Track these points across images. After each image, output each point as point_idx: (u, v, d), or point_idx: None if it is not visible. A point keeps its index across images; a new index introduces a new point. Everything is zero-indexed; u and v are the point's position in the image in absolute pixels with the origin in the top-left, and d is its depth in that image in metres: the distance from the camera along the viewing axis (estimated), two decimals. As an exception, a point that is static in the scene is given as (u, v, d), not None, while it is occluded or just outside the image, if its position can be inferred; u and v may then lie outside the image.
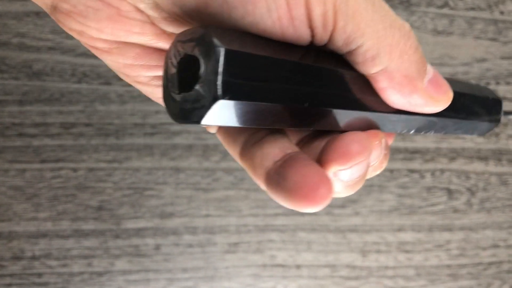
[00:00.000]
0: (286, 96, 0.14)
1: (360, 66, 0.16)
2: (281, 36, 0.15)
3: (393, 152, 0.41)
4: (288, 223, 0.40)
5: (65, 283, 0.39)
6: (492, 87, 0.41)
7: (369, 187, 0.40)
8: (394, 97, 0.16)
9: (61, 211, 0.39)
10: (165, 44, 0.18)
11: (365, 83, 0.16)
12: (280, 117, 0.15)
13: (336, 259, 0.40)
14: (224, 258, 0.40)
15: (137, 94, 0.39)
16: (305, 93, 0.15)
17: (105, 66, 0.39)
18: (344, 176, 0.16)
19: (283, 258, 0.40)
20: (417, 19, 0.41)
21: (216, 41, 0.13)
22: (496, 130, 0.42)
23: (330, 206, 0.40)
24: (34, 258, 0.39)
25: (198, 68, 0.13)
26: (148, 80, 0.19)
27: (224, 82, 0.13)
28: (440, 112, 0.18)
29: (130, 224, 0.39)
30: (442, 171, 0.41)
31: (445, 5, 0.41)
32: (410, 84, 0.16)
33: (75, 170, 0.39)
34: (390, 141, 0.22)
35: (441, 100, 0.17)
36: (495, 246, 0.41)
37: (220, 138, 0.20)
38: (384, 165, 0.19)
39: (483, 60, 0.41)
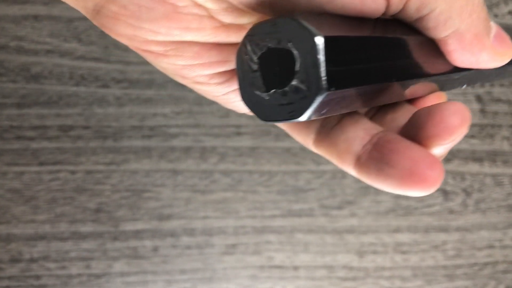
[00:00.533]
0: (382, 74, 0.14)
1: (430, 31, 0.15)
2: (359, 10, 0.14)
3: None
4: (285, 225, 0.40)
5: (63, 285, 0.39)
6: (486, 89, 0.42)
7: (366, 188, 0.41)
8: (463, 58, 0.16)
9: (59, 214, 0.39)
10: (223, 38, 0.16)
11: (432, 46, 0.16)
12: (372, 97, 0.14)
13: (333, 260, 0.41)
14: (222, 259, 0.40)
15: (135, 96, 0.39)
16: (394, 68, 0.14)
17: (103, 69, 0.39)
18: (440, 150, 0.15)
19: (281, 260, 0.41)
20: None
21: (313, 29, 0.12)
22: (491, 131, 0.42)
23: (326, 207, 0.41)
24: (32, 260, 0.39)
25: (286, 60, 0.12)
26: (207, 79, 0.18)
27: (328, 73, 0.12)
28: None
29: (128, 226, 0.40)
30: (438, 172, 0.41)
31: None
32: (479, 42, 0.16)
33: (73, 172, 0.39)
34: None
35: (506, 55, 0.17)
36: (491, 246, 0.42)
37: (285, 127, 0.19)
38: None
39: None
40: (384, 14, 0.15)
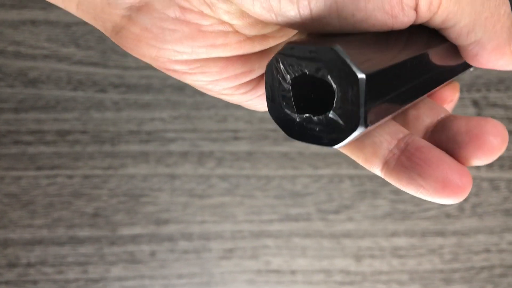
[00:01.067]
0: (414, 93, 0.14)
1: (453, 39, 0.16)
2: (390, 26, 0.14)
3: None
4: (282, 229, 0.40)
5: (60, 290, 0.39)
6: (482, 94, 0.42)
7: (363, 192, 0.41)
8: (482, 61, 0.16)
9: (56, 218, 0.39)
10: (248, 49, 0.16)
11: (455, 50, 0.16)
12: (400, 112, 0.15)
13: (331, 264, 0.41)
14: (220, 264, 0.40)
15: (133, 101, 0.40)
16: (424, 82, 0.14)
17: (101, 74, 0.39)
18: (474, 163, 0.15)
19: (278, 264, 0.41)
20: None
21: (354, 67, 0.11)
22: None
23: (324, 211, 0.41)
24: (29, 265, 0.39)
25: (322, 89, 0.12)
26: (233, 91, 0.17)
27: (366, 112, 0.12)
28: None
29: (126, 231, 0.40)
30: (435, 176, 0.42)
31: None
32: (500, 52, 0.16)
33: (70, 177, 0.39)
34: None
35: None
36: (487, 250, 0.42)
37: None
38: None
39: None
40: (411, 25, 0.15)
